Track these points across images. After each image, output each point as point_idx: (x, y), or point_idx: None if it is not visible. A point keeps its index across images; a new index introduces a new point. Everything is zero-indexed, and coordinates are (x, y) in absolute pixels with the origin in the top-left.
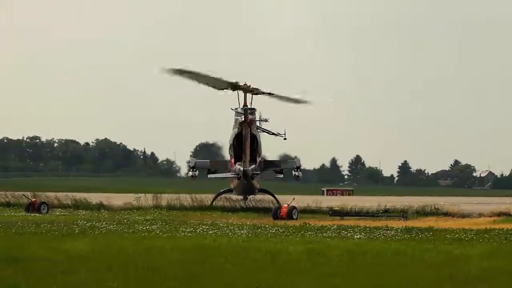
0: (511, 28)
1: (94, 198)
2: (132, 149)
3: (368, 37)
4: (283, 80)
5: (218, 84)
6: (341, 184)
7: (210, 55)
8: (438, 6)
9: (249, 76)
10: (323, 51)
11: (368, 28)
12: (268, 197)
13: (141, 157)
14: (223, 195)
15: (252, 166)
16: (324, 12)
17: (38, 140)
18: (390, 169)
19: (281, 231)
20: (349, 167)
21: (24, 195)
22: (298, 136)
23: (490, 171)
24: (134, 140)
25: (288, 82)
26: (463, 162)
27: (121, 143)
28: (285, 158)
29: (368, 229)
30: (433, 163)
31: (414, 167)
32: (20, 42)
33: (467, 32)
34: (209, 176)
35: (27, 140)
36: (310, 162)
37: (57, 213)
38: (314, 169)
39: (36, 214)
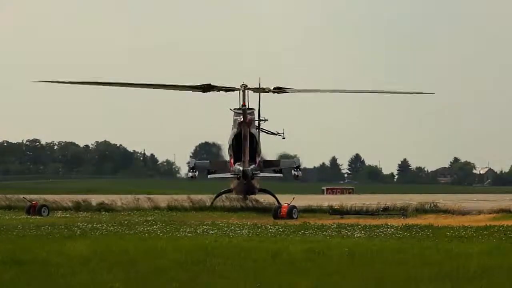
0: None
1: (94, 200)
2: (132, 151)
3: (368, 35)
4: (281, 78)
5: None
6: (341, 182)
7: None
8: (437, 5)
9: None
10: (322, 48)
11: (369, 26)
12: (268, 197)
13: (141, 158)
14: (223, 195)
15: (252, 166)
16: (324, 8)
17: (38, 143)
18: (390, 167)
19: (281, 230)
20: (349, 165)
21: (25, 198)
22: (297, 135)
23: (490, 168)
24: (134, 142)
25: (287, 79)
26: (463, 160)
27: (120, 145)
28: (285, 157)
29: (368, 227)
30: (432, 160)
31: (413, 165)
32: (19, 42)
33: (468, 32)
34: (208, 176)
35: (27, 143)
36: (309, 161)
37: (58, 216)
38: (314, 167)
39: (37, 217)
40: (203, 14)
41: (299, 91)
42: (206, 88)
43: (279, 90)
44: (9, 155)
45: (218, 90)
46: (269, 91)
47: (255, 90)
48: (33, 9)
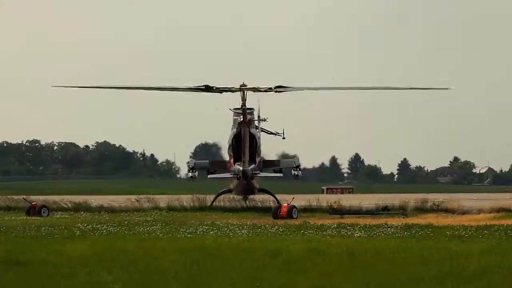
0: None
1: (94, 200)
2: (131, 151)
3: (368, 35)
4: (284, 77)
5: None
6: (341, 182)
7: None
8: (439, 4)
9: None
10: (322, 48)
11: (369, 23)
12: (268, 196)
13: (141, 158)
14: (223, 196)
15: (252, 166)
16: (325, 9)
17: (37, 144)
18: (389, 167)
19: (281, 230)
20: (348, 165)
21: (25, 199)
22: (297, 135)
23: (490, 167)
24: (134, 142)
25: (289, 79)
26: (463, 159)
27: (120, 145)
28: (284, 157)
29: (368, 227)
30: (432, 160)
31: (413, 164)
32: (20, 43)
33: (468, 31)
34: (208, 176)
35: (27, 143)
36: (309, 161)
37: (58, 216)
38: (314, 167)
39: (37, 218)
40: (202, 14)
41: (299, 89)
42: (205, 89)
43: (279, 88)
44: (9, 155)
45: (218, 91)
46: (269, 90)
47: (255, 89)
48: (32, 9)
